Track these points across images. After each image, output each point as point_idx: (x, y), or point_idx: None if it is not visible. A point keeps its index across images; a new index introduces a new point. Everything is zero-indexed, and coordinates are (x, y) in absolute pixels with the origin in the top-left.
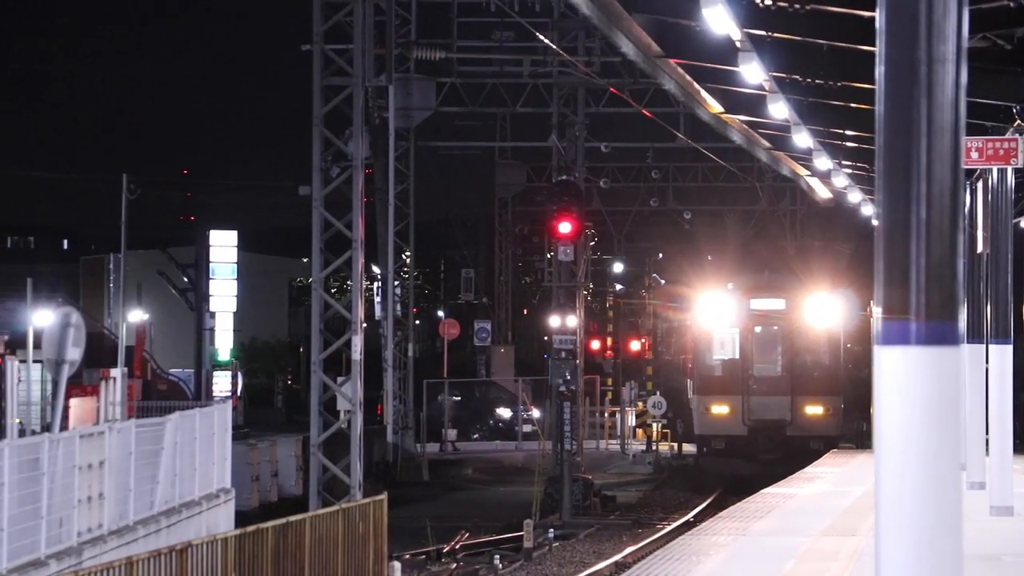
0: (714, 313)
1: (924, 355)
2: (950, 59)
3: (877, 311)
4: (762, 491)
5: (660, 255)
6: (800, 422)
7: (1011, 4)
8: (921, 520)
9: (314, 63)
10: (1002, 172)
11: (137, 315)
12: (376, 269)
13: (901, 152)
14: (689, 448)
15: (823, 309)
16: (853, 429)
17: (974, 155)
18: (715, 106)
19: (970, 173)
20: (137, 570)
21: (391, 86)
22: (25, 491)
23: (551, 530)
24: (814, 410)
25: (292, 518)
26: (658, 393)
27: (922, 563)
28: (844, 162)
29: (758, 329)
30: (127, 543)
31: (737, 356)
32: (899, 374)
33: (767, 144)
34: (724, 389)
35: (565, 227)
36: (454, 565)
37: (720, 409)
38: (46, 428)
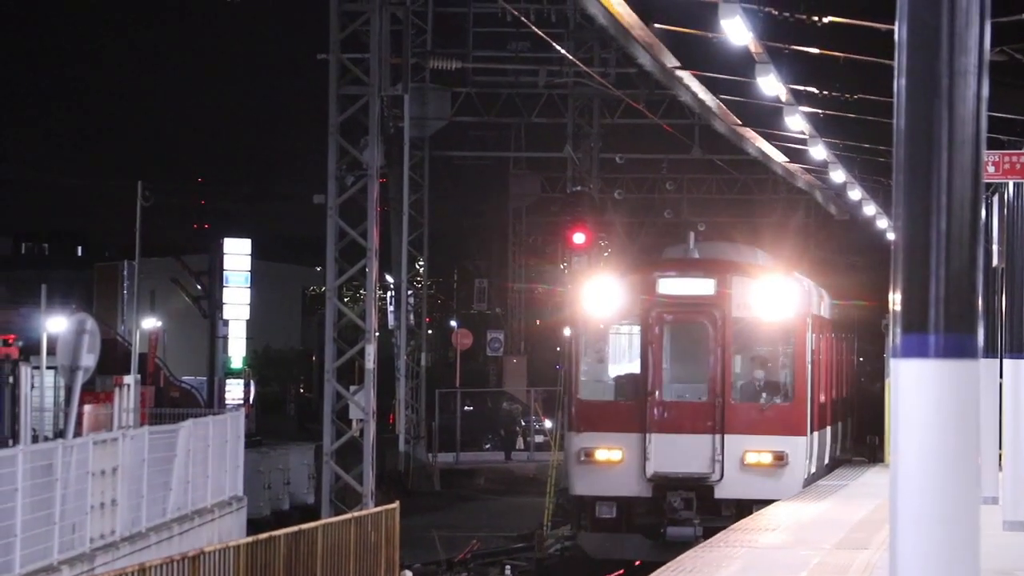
0: (601, 302)
1: (942, 368)
2: (972, 71)
3: (895, 323)
4: (773, 504)
5: None
6: (736, 478)
7: None
8: (938, 534)
9: (330, 72)
10: (1018, 186)
11: (150, 322)
12: (389, 278)
13: (921, 165)
14: None
15: (780, 298)
16: (865, 443)
17: (991, 169)
18: (731, 118)
19: (987, 187)
20: None
21: (407, 96)
22: (38, 497)
23: (563, 540)
24: (759, 458)
25: (304, 526)
26: None
27: (939, 574)
28: (860, 175)
29: (669, 328)
30: (140, 549)
31: (637, 371)
32: (917, 387)
33: (783, 157)
34: (615, 423)
35: (579, 237)
36: (465, 574)
37: (609, 455)
38: (59, 434)
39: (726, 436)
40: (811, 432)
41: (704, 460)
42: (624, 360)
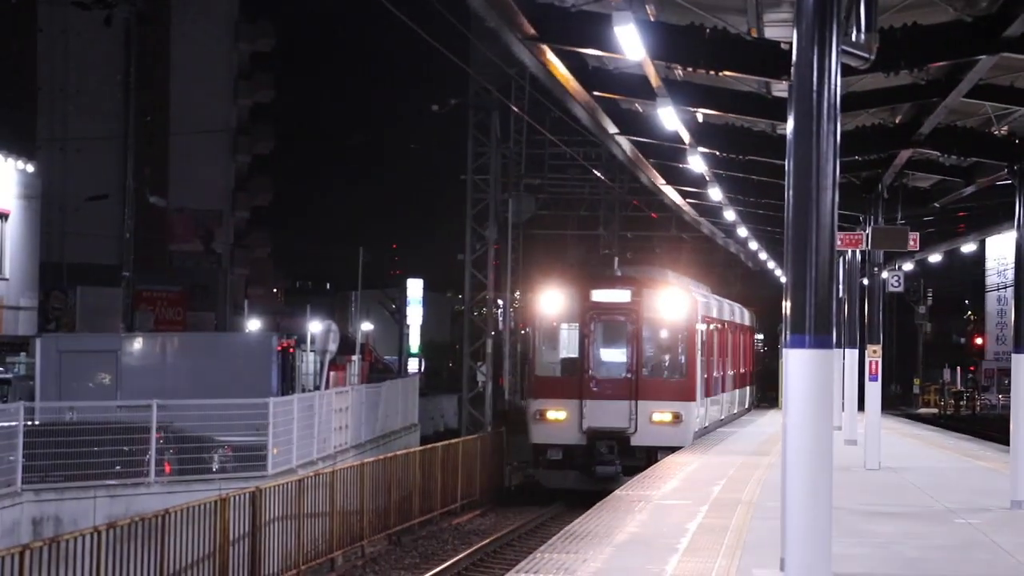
0: (551, 306)
1: (813, 354)
2: (828, 188)
3: (786, 327)
4: (717, 430)
5: None
6: (646, 430)
7: (859, 158)
8: (809, 445)
9: (467, 185)
10: (854, 252)
11: (366, 326)
12: (500, 301)
13: (802, 240)
14: None
15: (677, 304)
16: (767, 396)
17: (839, 242)
18: (692, 212)
19: (837, 253)
20: (365, 469)
21: (510, 199)
22: (305, 422)
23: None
24: (661, 417)
25: (452, 441)
26: None
27: (810, 469)
28: (766, 245)
29: (598, 325)
30: (360, 453)
31: (576, 355)
32: (799, 365)
33: (722, 233)
34: (561, 392)
35: None
36: (541, 468)
37: (556, 415)
38: (317, 388)
39: (639, 401)
40: (701, 398)
41: (623, 418)
42: (568, 347)
